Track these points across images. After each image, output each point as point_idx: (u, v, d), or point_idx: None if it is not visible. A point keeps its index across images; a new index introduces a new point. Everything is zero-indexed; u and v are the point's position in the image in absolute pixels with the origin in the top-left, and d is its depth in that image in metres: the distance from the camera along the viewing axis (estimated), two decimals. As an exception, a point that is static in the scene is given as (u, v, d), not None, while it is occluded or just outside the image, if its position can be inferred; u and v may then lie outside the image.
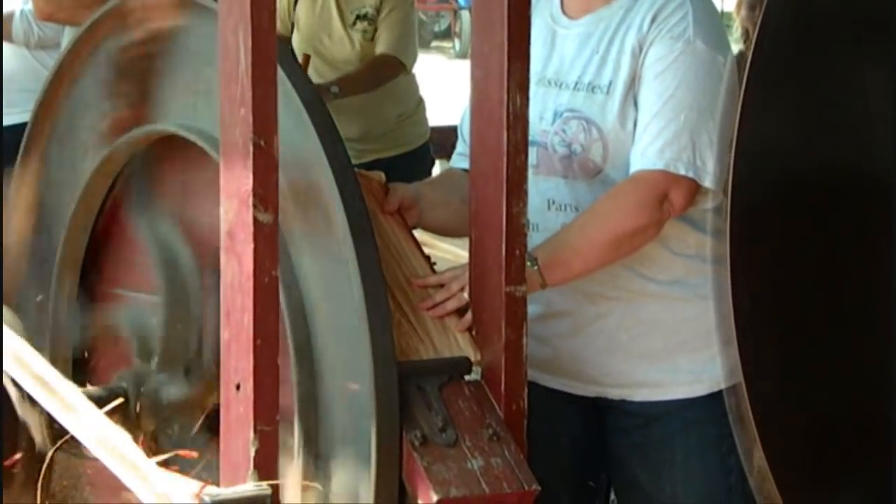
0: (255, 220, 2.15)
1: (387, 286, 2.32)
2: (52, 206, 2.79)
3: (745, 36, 4.57)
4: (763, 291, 1.90)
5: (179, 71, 2.54)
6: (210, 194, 2.33)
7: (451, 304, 2.48)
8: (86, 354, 2.81)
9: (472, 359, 2.39)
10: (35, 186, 2.82)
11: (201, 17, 2.45)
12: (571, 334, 2.84)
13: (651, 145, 2.68)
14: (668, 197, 2.67)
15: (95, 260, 2.79)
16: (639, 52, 2.74)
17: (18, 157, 2.84)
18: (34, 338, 2.63)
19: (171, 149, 2.57)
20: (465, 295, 2.47)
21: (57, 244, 2.75)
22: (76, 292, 2.77)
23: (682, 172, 2.66)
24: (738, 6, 4.90)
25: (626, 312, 2.81)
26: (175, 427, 2.57)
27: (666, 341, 2.81)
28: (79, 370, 2.79)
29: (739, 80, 2.10)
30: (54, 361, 2.64)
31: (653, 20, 2.74)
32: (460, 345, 2.41)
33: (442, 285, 2.51)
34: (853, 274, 1.98)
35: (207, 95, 2.42)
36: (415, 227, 2.74)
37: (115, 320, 2.72)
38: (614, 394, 2.85)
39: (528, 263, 2.45)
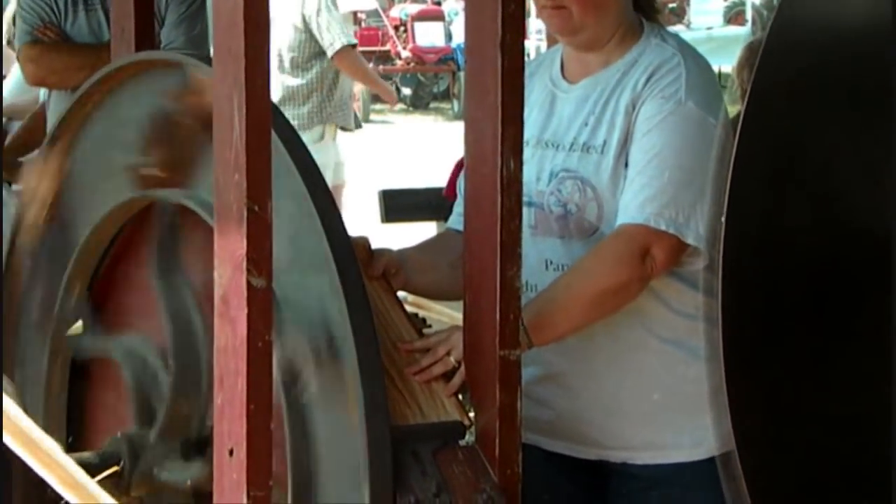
0: (249, 285, 2.15)
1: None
2: (69, 211, 2.80)
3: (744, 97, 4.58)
4: (754, 357, 1.90)
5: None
6: None
7: (438, 369, 2.47)
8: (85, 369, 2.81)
9: (461, 422, 2.39)
10: (55, 180, 2.81)
11: None
12: (572, 396, 2.83)
13: (633, 200, 2.69)
14: (649, 252, 2.68)
15: (99, 298, 2.79)
16: (632, 111, 2.76)
17: (46, 138, 2.82)
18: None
19: (197, 219, 2.57)
20: (452, 359, 2.47)
21: (71, 247, 2.75)
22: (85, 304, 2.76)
23: (664, 228, 2.67)
24: (740, 67, 4.92)
25: (628, 374, 2.80)
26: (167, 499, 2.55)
27: (668, 403, 2.80)
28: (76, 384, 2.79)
29: (732, 141, 2.10)
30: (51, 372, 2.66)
31: (647, 80, 2.76)
32: (447, 409, 2.41)
33: (428, 350, 2.51)
34: (848, 337, 1.98)
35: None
36: (399, 291, 2.74)
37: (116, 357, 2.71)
38: (616, 456, 2.85)
39: None
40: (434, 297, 2.89)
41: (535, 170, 2.81)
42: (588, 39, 2.83)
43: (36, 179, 2.83)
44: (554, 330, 2.67)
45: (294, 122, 6.02)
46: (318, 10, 6.81)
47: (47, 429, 2.46)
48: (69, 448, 2.63)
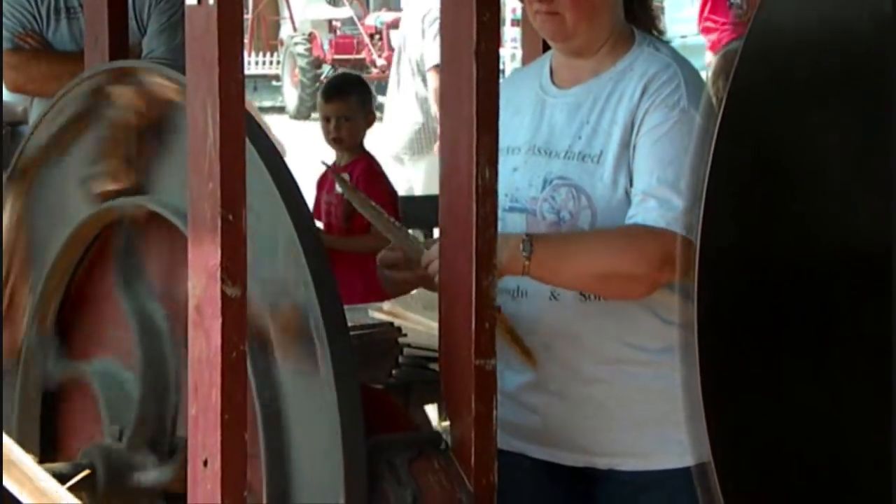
0: (223, 295, 2.14)
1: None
2: (36, 232, 2.78)
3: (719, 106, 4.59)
4: (730, 365, 1.90)
5: (174, 150, 2.53)
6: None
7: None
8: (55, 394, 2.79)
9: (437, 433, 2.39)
10: (21, 201, 2.79)
11: None
12: (560, 403, 2.83)
13: (670, 211, 2.67)
14: (672, 261, 2.67)
15: (68, 321, 2.77)
16: (630, 123, 2.76)
17: (12, 161, 2.81)
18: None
19: (158, 224, 2.56)
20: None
21: (39, 274, 2.73)
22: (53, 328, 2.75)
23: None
24: (715, 76, 4.92)
25: (616, 381, 2.80)
26: None
27: (655, 409, 2.80)
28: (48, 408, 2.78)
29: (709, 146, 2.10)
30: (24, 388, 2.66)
31: (644, 90, 2.77)
32: None
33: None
34: (825, 346, 1.99)
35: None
36: None
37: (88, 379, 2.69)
38: (602, 463, 2.84)
39: (521, 246, 2.45)
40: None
41: (528, 176, 2.81)
42: (580, 45, 2.83)
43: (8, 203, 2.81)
44: (554, 275, 2.69)
45: None
46: None
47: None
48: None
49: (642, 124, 2.75)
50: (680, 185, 2.68)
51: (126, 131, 2.59)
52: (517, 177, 2.55)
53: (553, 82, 2.90)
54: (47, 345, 2.74)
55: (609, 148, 2.76)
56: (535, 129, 2.86)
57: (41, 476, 2.29)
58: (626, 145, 2.75)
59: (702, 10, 7.29)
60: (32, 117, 4.55)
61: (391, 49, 19.41)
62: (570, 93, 2.86)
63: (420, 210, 5.66)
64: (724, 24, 6.98)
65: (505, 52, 13.42)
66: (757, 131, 1.99)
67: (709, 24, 7.23)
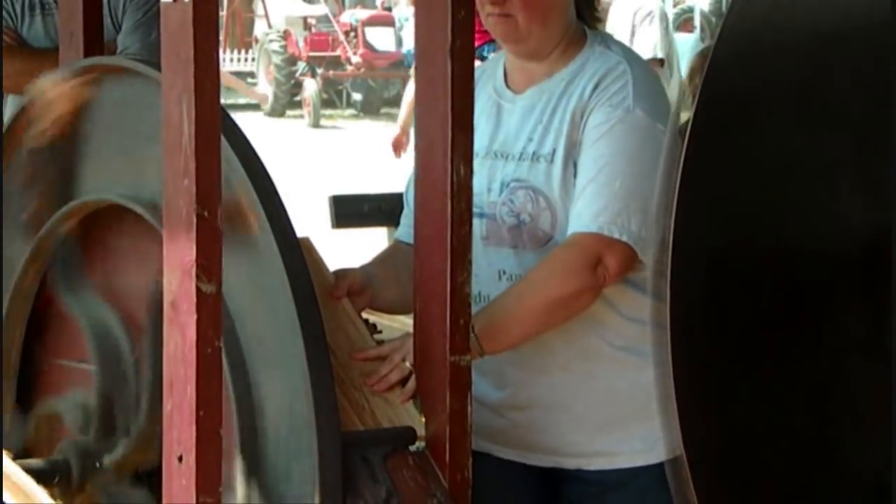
0: (199, 291, 2.14)
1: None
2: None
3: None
4: (703, 362, 1.91)
5: (91, 145, 2.54)
6: (133, 261, 2.33)
7: (395, 376, 2.48)
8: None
9: (417, 428, 2.39)
10: None
11: (109, 87, 2.45)
12: (527, 406, 2.83)
13: (586, 209, 2.69)
14: (602, 261, 2.68)
15: (38, 335, 2.77)
16: (579, 119, 2.75)
17: None
18: None
19: (90, 227, 2.56)
20: (408, 364, 2.47)
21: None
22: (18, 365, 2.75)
23: (616, 236, 2.67)
24: (692, 74, 4.94)
25: (582, 381, 2.81)
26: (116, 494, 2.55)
27: (621, 409, 2.81)
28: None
29: (681, 146, 2.11)
30: None
31: (594, 88, 2.76)
32: (402, 415, 2.41)
33: (383, 358, 2.51)
34: (799, 343, 2.00)
35: (119, 161, 2.44)
36: (365, 309, 2.74)
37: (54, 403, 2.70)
38: (570, 463, 2.85)
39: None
40: (400, 311, 2.86)
41: (486, 180, 2.81)
42: (533, 48, 2.83)
43: None
44: (506, 338, 2.68)
45: None
46: None
47: None
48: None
49: (586, 123, 2.75)
50: (616, 185, 2.68)
51: (42, 148, 2.61)
52: (476, 182, 2.55)
53: (507, 86, 2.89)
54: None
55: (560, 146, 2.76)
56: (492, 134, 2.85)
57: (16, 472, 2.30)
58: (575, 143, 2.75)
59: None
60: (6, 114, 4.54)
61: (366, 46, 19.44)
62: (524, 96, 2.85)
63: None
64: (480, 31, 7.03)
65: (480, 50, 13.42)
66: (731, 128, 2.00)
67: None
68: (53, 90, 2.54)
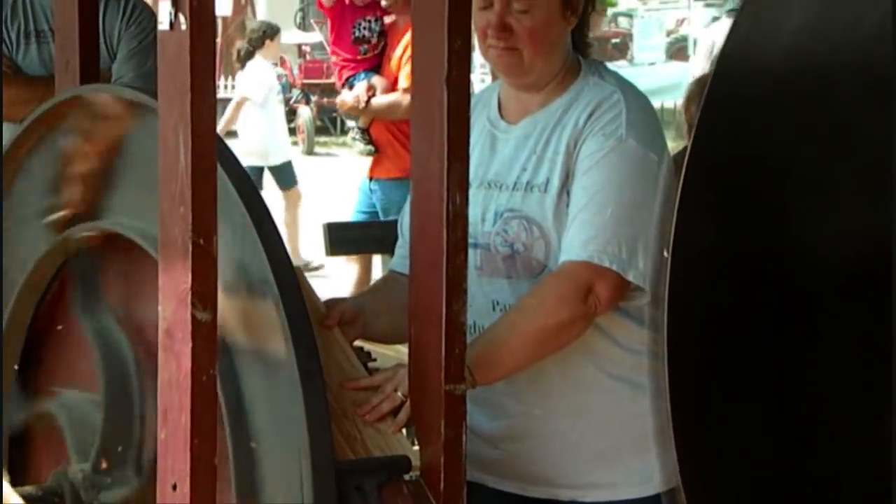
0: (194, 319, 2.14)
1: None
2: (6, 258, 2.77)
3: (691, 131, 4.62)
4: (699, 393, 1.91)
5: (130, 171, 2.54)
6: (151, 290, 2.32)
7: (386, 406, 2.47)
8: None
9: (411, 458, 2.39)
10: None
11: (151, 123, 2.46)
12: (523, 437, 2.83)
13: (576, 237, 2.69)
14: (592, 290, 2.67)
15: (34, 355, 2.77)
16: (573, 149, 2.76)
17: None
18: None
19: (116, 247, 2.56)
20: (400, 394, 2.46)
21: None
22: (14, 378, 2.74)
23: (607, 265, 2.66)
24: (688, 102, 4.95)
25: (578, 412, 2.80)
26: None
27: (617, 440, 2.81)
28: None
29: (677, 176, 2.11)
30: None
31: (588, 118, 2.77)
32: (394, 445, 2.41)
33: (375, 387, 2.51)
34: (796, 374, 2.00)
35: (143, 194, 2.43)
36: (357, 339, 2.74)
37: (53, 413, 2.69)
38: (565, 495, 2.84)
39: None
40: (393, 340, 2.87)
41: (480, 210, 2.81)
42: (535, 81, 2.83)
43: None
44: (498, 369, 2.67)
45: None
46: None
47: None
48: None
49: (579, 152, 2.75)
50: (607, 213, 2.68)
51: (78, 157, 2.60)
52: (470, 212, 2.55)
53: (502, 116, 2.90)
54: (12, 389, 2.73)
55: (554, 176, 2.76)
56: (486, 164, 2.86)
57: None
58: (569, 172, 2.75)
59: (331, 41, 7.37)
60: (4, 141, 4.54)
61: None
62: (518, 126, 2.86)
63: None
64: (346, 59, 7.08)
65: (474, 78, 13.45)
66: (727, 158, 2.01)
67: (333, 58, 7.33)
68: (107, 104, 2.53)
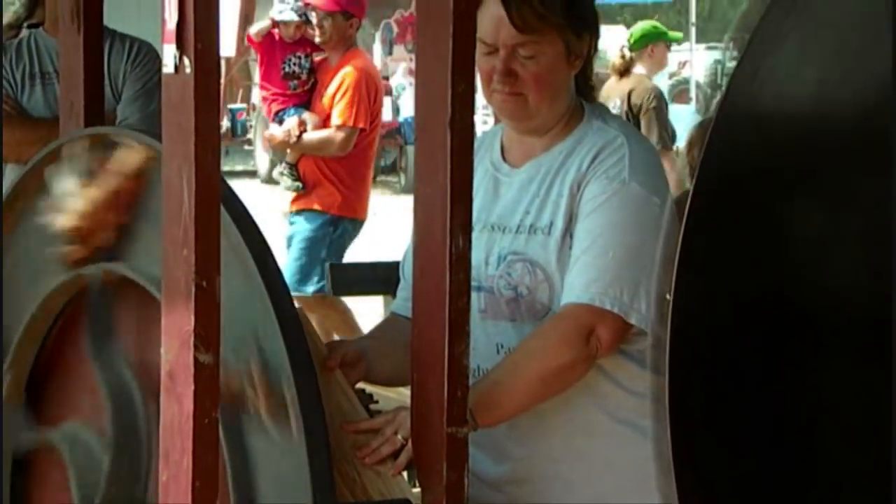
0: (196, 361, 2.14)
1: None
2: (8, 308, 2.77)
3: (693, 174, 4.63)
4: (702, 438, 1.90)
5: (147, 216, 2.54)
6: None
7: (386, 449, 2.47)
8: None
9: (407, 500, 2.38)
10: None
11: None
12: (526, 480, 2.82)
13: (578, 279, 2.69)
14: (594, 332, 2.67)
15: (38, 388, 2.76)
16: (576, 191, 2.76)
17: None
18: None
19: (130, 289, 2.56)
20: (400, 438, 2.46)
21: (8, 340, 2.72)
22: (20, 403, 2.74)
23: (608, 307, 2.67)
24: (690, 146, 4.96)
25: (581, 455, 2.80)
26: None
27: (619, 483, 2.79)
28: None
29: (679, 220, 2.12)
30: None
31: (591, 161, 2.77)
32: (394, 488, 2.40)
33: (375, 430, 2.51)
34: (800, 417, 2.00)
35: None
36: (359, 381, 2.73)
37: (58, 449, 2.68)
38: None
39: None
40: (395, 383, 2.86)
41: (484, 253, 2.81)
42: (539, 125, 2.84)
43: None
44: (499, 411, 2.67)
45: None
46: None
47: None
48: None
49: (582, 194, 2.75)
50: (609, 256, 2.68)
51: (99, 196, 2.60)
52: (473, 255, 2.55)
53: (505, 159, 2.90)
54: (17, 413, 2.73)
55: (558, 218, 2.77)
56: (489, 206, 2.86)
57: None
58: (572, 215, 2.76)
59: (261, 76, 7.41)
60: (6, 183, 4.54)
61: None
62: (521, 170, 2.86)
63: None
64: (276, 93, 7.13)
65: (476, 119, 13.48)
66: (729, 201, 2.01)
67: (263, 92, 7.37)
68: (136, 149, 2.54)
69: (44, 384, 2.77)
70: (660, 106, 8.00)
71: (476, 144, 2.93)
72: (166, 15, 2.16)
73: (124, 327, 2.62)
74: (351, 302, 7.13)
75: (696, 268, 2.01)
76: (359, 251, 7.27)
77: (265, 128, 20.78)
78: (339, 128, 6.78)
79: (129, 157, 2.55)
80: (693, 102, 18.50)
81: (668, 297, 2.00)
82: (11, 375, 2.72)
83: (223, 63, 19.83)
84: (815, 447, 1.99)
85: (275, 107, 7.16)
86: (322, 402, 2.29)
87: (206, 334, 2.15)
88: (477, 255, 2.62)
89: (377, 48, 22.73)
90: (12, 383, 2.72)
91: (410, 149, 19.08)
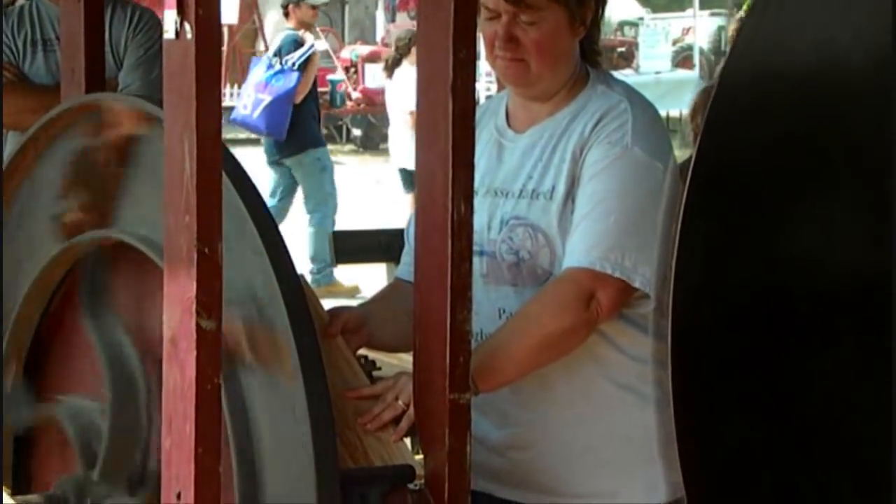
0: (199, 327, 2.14)
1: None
2: (7, 272, 2.77)
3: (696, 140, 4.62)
4: (704, 403, 1.91)
5: (141, 179, 2.54)
6: (159, 298, 2.32)
7: (387, 415, 2.48)
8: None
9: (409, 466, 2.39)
10: None
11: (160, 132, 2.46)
12: (528, 445, 2.82)
13: (579, 244, 2.69)
14: (594, 296, 2.67)
15: (39, 360, 2.77)
16: (579, 156, 2.76)
17: None
18: None
19: (124, 255, 2.56)
20: (401, 403, 2.46)
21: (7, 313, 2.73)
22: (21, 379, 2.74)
23: (609, 271, 2.66)
24: (694, 112, 4.95)
25: (583, 420, 2.80)
26: None
27: (622, 449, 2.80)
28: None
29: (683, 185, 2.11)
30: None
31: (594, 126, 2.77)
32: (395, 454, 2.41)
33: (376, 396, 2.51)
34: (801, 383, 2.00)
35: (153, 201, 2.43)
36: (362, 347, 2.73)
37: (59, 419, 2.69)
38: (569, 503, 2.83)
39: None
40: (398, 349, 2.86)
41: (486, 218, 2.81)
42: (542, 91, 2.84)
43: None
44: (500, 376, 2.67)
45: None
46: None
47: None
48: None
49: (585, 159, 2.75)
50: (610, 221, 2.68)
51: (92, 163, 2.60)
52: (476, 219, 2.55)
53: (509, 125, 2.90)
54: (18, 388, 2.73)
55: (560, 183, 2.76)
56: (492, 171, 2.86)
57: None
58: (574, 180, 2.75)
59: None
60: (7, 151, 4.53)
61: (365, 83, 19.46)
62: (525, 135, 2.86)
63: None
64: None
65: (479, 87, 13.47)
66: (732, 168, 2.01)
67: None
68: (124, 111, 2.54)
69: (45, 358, 2.78)
70: None
71: (481, 111, 2.94)
72: (167, -20, 2.15)
73: (121, 295, 2.62)
74: (354, 270, 7.14)
75: (698, 232, 2.01)
76: (362, 219, 7.28)
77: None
78: None
79: (116, 119, 2.55)
80: (697, 69, 18.46)
81: (671, 262, 2.00)
82: (11, 350, 2.72)
83: (225, 30, 19.78)
84: (819, 412, 1.99)
85: None
86: (323, 365, 2.29)
87: (209, 301, 2.14)
88: (480, 220, 2.62)
89: (380, 15, 22.72)
90: (12, 357, 2.72)
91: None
